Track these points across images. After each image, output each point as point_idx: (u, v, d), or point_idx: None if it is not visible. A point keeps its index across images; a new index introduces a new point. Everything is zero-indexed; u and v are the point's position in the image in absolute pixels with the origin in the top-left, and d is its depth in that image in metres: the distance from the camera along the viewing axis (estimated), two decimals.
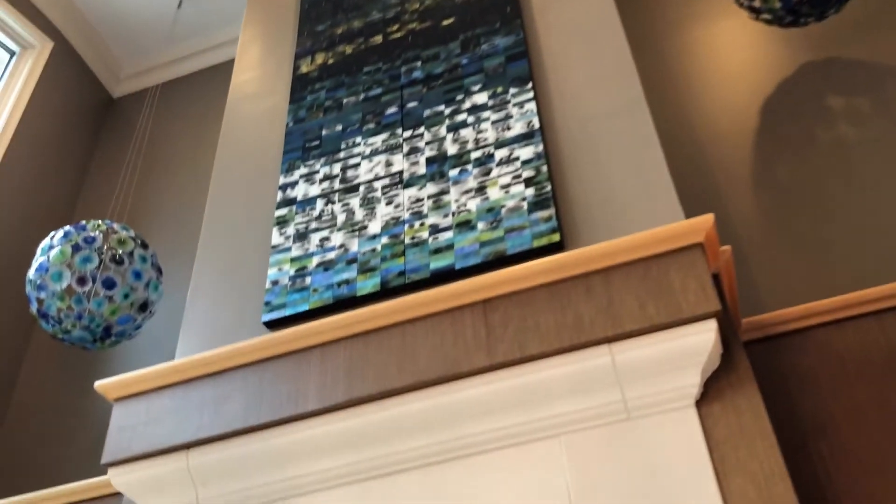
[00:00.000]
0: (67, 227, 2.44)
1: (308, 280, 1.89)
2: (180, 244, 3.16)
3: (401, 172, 2.03)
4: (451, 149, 2.02)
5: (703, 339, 1.37)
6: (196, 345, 1.92)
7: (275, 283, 1.92)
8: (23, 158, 3.40)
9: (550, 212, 1.75)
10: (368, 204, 1.99)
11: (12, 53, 3.63)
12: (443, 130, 2.07)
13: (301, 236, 2.00)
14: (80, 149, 3.75)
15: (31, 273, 2.39)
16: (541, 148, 1.89)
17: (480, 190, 1.88)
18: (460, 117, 2.08)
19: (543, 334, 1.45)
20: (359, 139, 2.18)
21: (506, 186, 1.86)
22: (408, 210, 1.93)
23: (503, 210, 1.81)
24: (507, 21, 2.27)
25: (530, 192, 1.81)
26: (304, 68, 2.49)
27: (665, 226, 1.46)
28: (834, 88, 2.51)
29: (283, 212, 2.09)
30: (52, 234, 2.47)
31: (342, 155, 2.16)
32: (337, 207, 2.03)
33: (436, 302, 1.56)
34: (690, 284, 1.41)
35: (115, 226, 2.49)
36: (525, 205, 1.79)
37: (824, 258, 2.14)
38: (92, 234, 2.45)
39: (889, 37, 2.55)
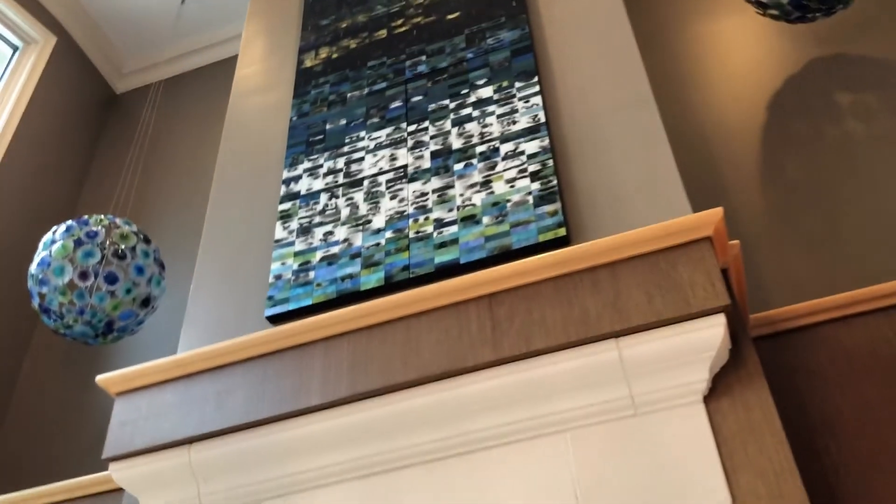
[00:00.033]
0: (70, 222, 2.43)
1: (311, 274, 1.87)
2: (183, 240, 3.15)
3: (405, 167, 2.01)
4: (456, 143, 2.00)
5: (711, 333, 1.35)
6: (198, 339, 1.90)
7: (278, 277, 1.91)
8: (25, 154, 3.38)
9: (556, 206, 1.73)
10: (372, 198, 1.98)
11: (15, 48, 3.62)
12: (448, 124, 2.06)
13: (304, 230, 1.99)
14: (83, 144, 3.74)
15: (32, 267, 2.38)
16: (546, 142, 1.88)
17: (486, 184, 1.87)
18: (465, 111, 2.07)
19: (550, 328, 1.43)
20: (363, 133, 2.16)
21: (511, 181, 1.84)
22: (412, 204, 1.91)
23: (509, 204, 1.79)
24: (512, 15, 2.26)
25: (536, 186, 1.80)
26: (308, 62, 2.48)
27: (673, 219, 1.44)
28: (842, 84, 2.49)
29: (286, 206, 2.08)
30: (54, 228, 2.45)
31: (346, 149, 2.15)
32: (341, 202, 2.01)
33: (440, 296, 1.54)
34: (699, 279, 1.39)
35: (118, 220, 2.48)
36: (531, 199, 1.77)
37: (831, 254, 2.12)
38: (94, 228, 2.44)
39: None
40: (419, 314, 1.55)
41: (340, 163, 2.12)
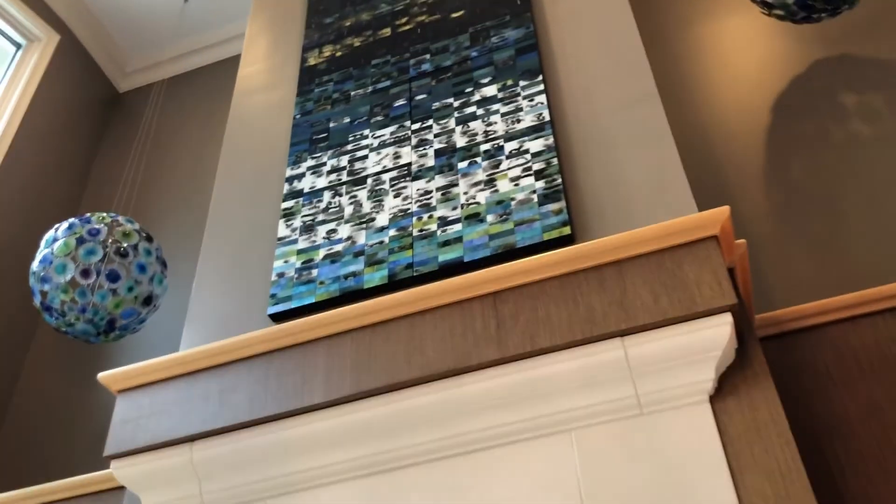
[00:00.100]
0: (72, 219, 2.42)
1: (314, 272, 1.87)
2: (185, 239, 3.14)
3: (409, 165, 2.00)
4: (460, 141, 1.99)
5: (717, 332, 1.34)
6: (201, 337, 1.89)
7: (281, 275, 1.90)
8: (28, 152, 3.38)
9: (561, 205, 1.72)
10: (376, 196, 1.97)
11: (18, 46, 3.62)
12: (452, 123, 2.05)
13: (308, 228, 1.98)
14: (86, 143, 3.73)
15: (34, 265, 2.37)
16: (551, 140, 1.87)
17: (490, 182, 1.86)
18: (469, 110, 2.06)
19: (555, 327, 1.42)
20: (367, 131, 2.15)
21: (515, 179, 1.83)
22: (416, 202, 1.90)
23: (513, 203, 1.78)
24: (516, 14, 2.25)
25: (540, 184, 1.79)
26: (311, 61, 2.47)
27: (680, 218, 1.43)
28: (847, 85, 2.48)
29: (289, 204, 2.07)
30: (56, 226, 2.44)
31: (350, 147, 2.14)
32: (344, 199, 2.01)
33: (444, 294, 1.53)
34: (705, 277, 1.38)
35: (120, 218, 2.47)
36: (535, 197, 1.77)
37: (836, 255, 2.11)
38: (96, 226, 2.43)
39: None
40: (423, 312, 1.54)
41: (344, 161, 2.11)
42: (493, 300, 1.51)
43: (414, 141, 2.06)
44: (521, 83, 2.04)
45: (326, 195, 2.04)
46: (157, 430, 1.60)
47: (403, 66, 2.29)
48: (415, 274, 1.75)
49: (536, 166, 1.83)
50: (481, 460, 1.43)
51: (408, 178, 1.97)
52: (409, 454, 1.48)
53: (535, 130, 1.91)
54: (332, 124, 2.23)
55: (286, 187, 2.11)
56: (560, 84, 2.03)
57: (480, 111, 2.04)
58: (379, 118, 2.17)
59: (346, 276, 1.82)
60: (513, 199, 1.79)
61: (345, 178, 2.06)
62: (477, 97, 2.08)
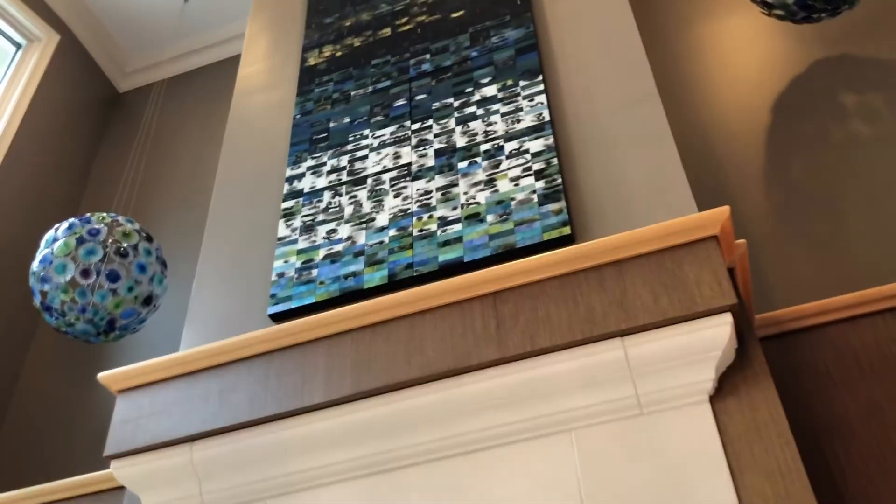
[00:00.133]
0: (72, 219, 2.42)
1: (314, 272, 1.87)
2: (185, 238, 3.14)
3: (409, 165, 2.00)
4: (460, 141, 1.99)
5: (717, 332, 1.34)
6: (201, 337, 1.89)
7: (281, 275, 1.90)
8: (28, 151, 3.38)
9: (561, 205, 1.72)
10: (376, 196, 1.97)
11: (18, 46, 3.62)
12: (452, 123, 2.05)
13: (308, 228, 1.98)
14: (86, 143, 3.73)
15: (34, 265, 2.37)
16: (551, 140, 1.87)
17: (490, 182, 1.86)
18: (469, 110, 2.06)
19: (555, 327, 1.42)
20: (367, 131, 2.15)
21: (515, 179, 1.83)
22: (416, 202, 1.90)
23: (513, 203, 1.78)
24: (516, 14, 2.25)
25: (540, 184, 1.79)
26: (311, 61, 2.47)
27: (680, 218, 1.43)
28: (847, 85, 2.48)
29: (289, 204, 2.07)
30: (56, 225, 2.44)
31: (350, 147, 2.14)
32: (344, 199, 2.01)
33: (444, 294, 1.53)
34: (705, 277, 1.38)
35: (120, 218, 2.47)
36: (535, 197, 1.77)
37: (836, 255, 2.11)
38: (96, 226, 2.43)
39: None
40: (423, 312, 1.54)
41: (344, 161, 2.11)
42: (493, 300, 1.51)
43: (414, 141, 2.06)
44: (521, 83, 2.04)
45: (326, 195, 2.04)
46: (157, 430, 1.60)
47: (403, 66, 2.29)
48: (415, 274, 1.75)
49: (536, 166, 1.83)
50: (481, 460, 1.43)
51: (408, 178, 1.97)
52: (409, 454, 1.48)
53: (535, 130, 1.91)
54: (332, 124, 2.23)
55: (286, 187, 2.11)
56: (560, 84, 2.03)
57: (480, 111, 2.04)
58: (379, 118, 2.17)
59: (346, 276, 1.82)
60: (513, 199, 1.79)
61: (345, 178, 2.06)
62: (477, 97, 2.08)
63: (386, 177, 2.00)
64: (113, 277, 2.37)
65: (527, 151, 1.88)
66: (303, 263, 1.90)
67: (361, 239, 1.89)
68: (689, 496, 1.26)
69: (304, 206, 2.04)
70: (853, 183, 2.24)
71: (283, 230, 2.01)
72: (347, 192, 2.02)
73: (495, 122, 1.99)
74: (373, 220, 1.92)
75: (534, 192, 1.78)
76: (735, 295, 1.35)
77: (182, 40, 4.00)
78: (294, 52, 2.57)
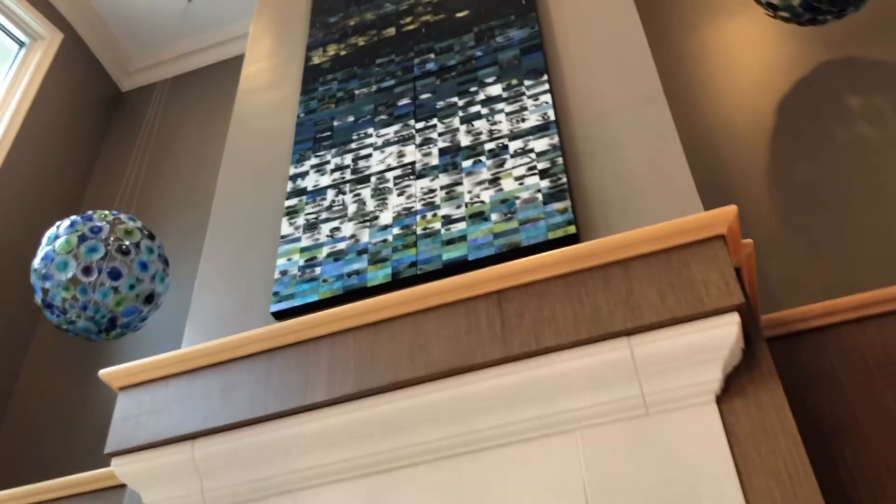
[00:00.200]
0: (74, 217, 2.41)
1: (318, 270, 1.86)
2: (186, 237, 3.13)
3: (413, 163, 1.99)
4: (465, 140, 1.98)
5: (724, 332, 1.33)
6: (202, 335, 1.88)
7: (284, 273, 1.89)
8: (30, 150, 3.37)
9: (566, 203, 1.71)
10: (380, 194, 1.96)
11: (22, 44, 3.61)
12: (456, 122, 2.04)
13: (311, 226, 1.97)
14: (88, 141, 3.73)
15: (36, 262, 2.36)
16: (556, 140, 1.86)
17: (494, 181, 1.85)
18: (474, 109, 2.05)
19: (560, 326, 1.41)
20: (371, 130, 2.15)
21: (520, 178, 1.82)
22: (420, 201, 1.89)
23: (517, 201, 1.77)
24: (521, 14, 2.24)
25: (545, 183, 1.78)
26: (315, 59, 2.46)
27: (687, 217, 1.42)
28: (852, 88, 2.47)
29: (293, 202, 2.06)
30: (58, 223, 2.43)
31: (354, 146, 2.13)
32: (348, 198, 2.00)
33: (449, 292, 1.52)
34: (712, 277, 1.37)
35: (122, 216, 2.46)
36: (540, 196, 1.76)
37: (842, 257, 2.10)
38: (98, 224, 2.42)
39: None
40: (427, 310, 1.53)
41: (348, 159, 2.10)
42: (498, 299, 1.49)
43: (418, 140, 2.05)
44: (526, 82, 2.04)
45: (330, 193, 2.03)
46: (159, 427, 1.59)
47: (408, 65, 2.28)
48: (418, 272, 1.74)
49: (541, 165, 1.82)
50: (485, 460, 1.42)
51: (412, 177, 1.96)
52: (413, 453, 1.47)
53: (539, 130, 1.90)
54: (335, 123, 2.22)
55: (289, 185, 2.10)
56: (565, 84, 2.02)
57: (485, 110, 2.03)
58: (383, 117, 2.16)
59: (349, 275, 1.81)
60: (517, 197, 1.78)
61: (348, 176, 2.05)
62: (481, 96, 2.07)
63: (390, 175, 2.00)
64: (114, 275, 2.36)
65: (531, 150, 1.87)
66: (306, 261, 1.89)
67: (365, 237, 1.88)
68: (696, 497, 1.25)
69: (307, 204, 2.03)
70: (858, 185, 2.23)
71: (286, 228, 2.00)
72: (351, 191, 2.01)
73: (500, 122, 1.98)
74: (376, 218, 1.91)
75: (539, 190, 1.77)
76: (742, 294, 1.34)
77: (185, 40, 4.00)
78: (298, 50, 2.56)
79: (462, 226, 1.79)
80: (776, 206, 2.28)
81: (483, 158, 1.91)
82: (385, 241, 1.84)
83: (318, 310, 1.79)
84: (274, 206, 2.11)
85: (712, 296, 1.35)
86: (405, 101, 2.17)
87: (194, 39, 3.99)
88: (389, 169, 2.01)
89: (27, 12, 3.54)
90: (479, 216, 1.79)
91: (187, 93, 3.84)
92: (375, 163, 2.05)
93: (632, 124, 1.83)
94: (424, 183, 1.93)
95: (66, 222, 2.42)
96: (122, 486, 1.95)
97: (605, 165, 1.79)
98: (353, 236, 1.90)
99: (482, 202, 1.82)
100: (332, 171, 2.09)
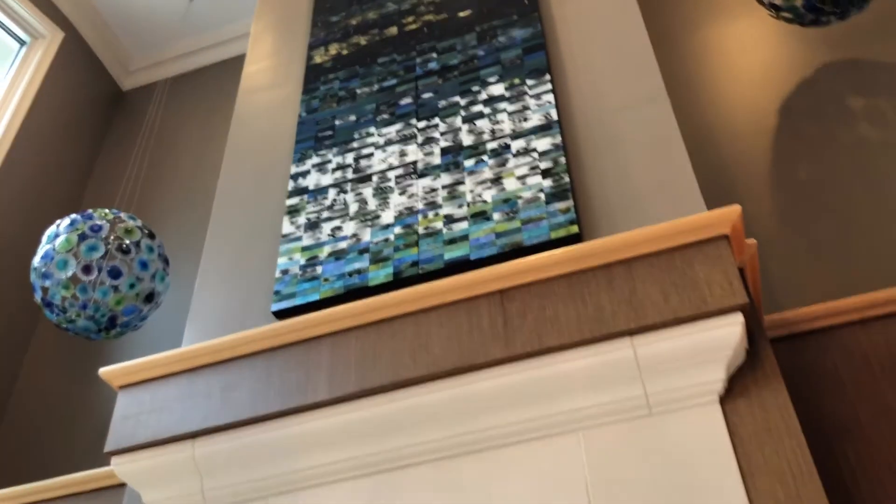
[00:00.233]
0: (74, 215, 2.40)
1: (319, 269, 1.85)
2: (187, 237, 3.13)
3: (415, 162, 1.99)
4: (467, 139, 1.98)
5: (728, 332, 1.32)
6: (203, 333, 1.88)
7: (285, 272, 1.88)
8: (31, 149, 3.37)
9: (569, 203, 1.71)
10: (382, 194, 1.95)
11: (22, 43, 3.61)
12: (458, 121, 2.03)
13: (312, 225, 1.96)
14: (89, 140, 3.72)
15: (35, 261, 2.36)
16: (559, 139, 1.85)
17: (496, 181, 1.84)
18: (476, 108, 2.04)
19: (563, 326, 1.40)
20: (373, 129, 2.14)
21: (522, 177, 1.82)
22: (422, 200, 1.89)
23: (520, 201, 1.77)
24: (524, 13, 2.24)
25: (548, 183, 1.77)
26: (317, 59, 2.46)
27: (690, 216, 1.42)
28: (855, 89, 2.47)
29: (294, 201, 2.05)
30: (58, 222, 2.43)
31: (356, 145, 2.12)
32: (349, 197, 1.99)
33: (451, 291, 1.51)
34: (716, 277, 1.36)
35: (123, 215, 2.45)
36: (542, 196, 1.75)
37: (842, 258, 2.10)
38: (98, 222, 2.41)
39: None
40: (429, 309, 1.53)
41: (349, 158, 2.09)
42: (501, 298, 1.49)
43: (420, 139, 2.04)
44: (529, 82, 2.03)
45: (332, 192, 2.03)
46: (159, 426, 1.58)
47: (410, 64, 2.28)
48: (420, 272, 1.73)
49: (544, 165, 1.82)
50: (487, 460, 1.41)
51: (414, 176, 1.96)
52: (414, 453, 1.46)
53: (542, 129, 1.90)
54: (337, 122, 2.22)
55: (291, 184, 2.10)
56: (568, 83, 2.02)
57: (487, 110, 2.02)
58: (385, 116, 2.16)
59: (350, 274, 1.80)
60: (520, 197, 1.78)
61: (350, 175, 2.05)
62: (484, 96, 2.06)
63: (392, 174, 1.99)
64: (114, 274, 2.36)
65: (534, 150, 1.86)
66: (307, 260, 1.88)
67: (366, 236, 1.87)
68: (699, 498, 1.24)
69: (308, 203, 2.03)
70: (860, 186, 2.23)
71: (287, 227, 1.99)
72: (353, 190, 2.00)
73: (502, 121, 1.97)
74: (378, 217, 1.90)
75: (541, 190, 1.76)
76: (746, 294, 1.33)
77: (186, 39, 4.00)
78: (300, 50, 2.56)
79: (464, 225, 1.78)
80: (777, 207, 2.27)
81: (485, 158, 1.91)
82: (387, 240, 1.84)
83: (319, 309, 1.78)
84: (275, 205, 2.11)
85: (716, 296, 1.34)
86: (407, 100, 2.17)
87: (195, 39, 3.98)
88: (391, 168, 2.01)
89: (28, 11, 3.53)
90: (481, 216, 1.78)
91: (188, 92, 3.84)
92: (377, 162, 2.04)
93: (635, 124, 1.83)
94: (426, 182, 1.92)
95: (67, 221, 2.41)
96: (122, 485, 1.94)
97: (607, 165, 1.78)
98: (354, 235, 1.89)
99: (484, 202, 1.81)
100: (334, 170, 2.08)
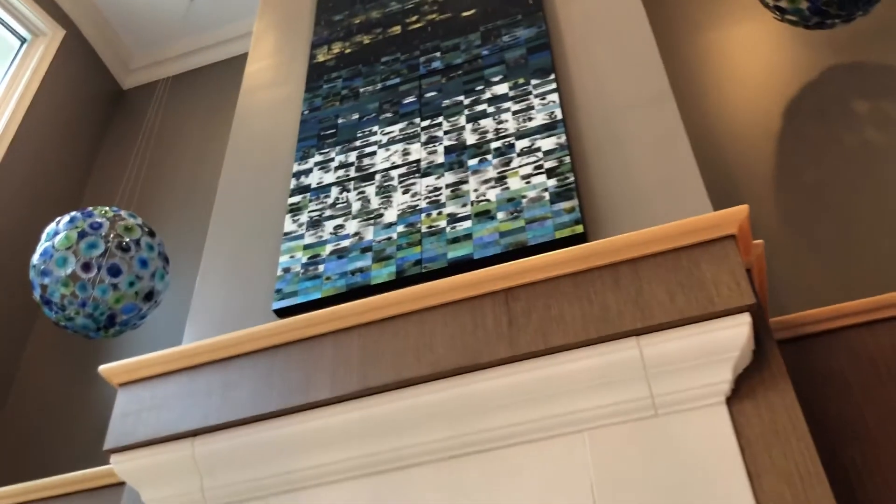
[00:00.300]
0: (74, 213, 2.39)
1: (321, 268, 1.84)
2: (186, 236, 3.11)
3: (418, 161, 1.98)
4: (471, 138, 1.97)
5: (735, 333, 1.31)
6: (203, 331, 1.86)
7: (286, 270, 1.87)
8: (31, 147, 3.35)
9: (573, 203, 1.70)
10: (384, 192, 1.94)
11: (23, 40, 3.59)
12: (462, 120, 2.02)
13: (314, 224, 1.95)
14: (89, 138, 3.71)
15: (35, 258, 2.34)
16: (563, 139, 1.84)
17: (500, 180, 1.83)
18: (480, 107, 2.03)
19: (568, 325, 1.39)
20: (375, 128, 2.13)
21: (527, 177, 1.80)
22: (425, 199, 1.87)
23: (524, 200, 1.76)
24: (528, 13, 2.23)
25: (552, 182, 1.76)
26: (320, 57, 2.44)
27: (697, 216, 1.41)
28: (859, 92, 2.46)
29: (296, 199, 2.04)
30: (57, 219, 2.41)
31: (358, 143, 2.11)
32: (352, 195, 1.98)
33: (455, 290, 1.50)
34: (723, 277, 1.35)
35: (123, 213, 2.44)
36: (547, 195, 1.74)
37: (847, 261, 2.09)
38: (98, 220, 2.40)
39: None
40: (433, 308, 1.51)
41: (352, 157, 2.08)
42: (505, 297, 1.48)
43: (423, 138, 2.03)
44: (533, 81, 2.02)
45: (334, 191, 2.01)
46: (159, 424, 1.57)
47: (413, 63, 2.27)
48: (423, 270, 1.72)
49: (548, 164, 1.81)
50: (491, 460, 1.39)
51: (417, 175, 1.94)
52: (417, 453, 1.45)
53: (546, 129, 1.89)
54: (340, 120, 2.21)
55: (293, 182, 2.09)
56: (572, 83, 2.01)
57: (491, 109, 2.01)
58: (388, 115, 2.15)
59: (353, 272, 1.79)
60: (524, 196, 1.77)
61: (353, 173, 2.04)
62: (488, 95, 2.05)
63: (394, 173, 1.98)
64: (114, 272, 2.34)
65: (538, 149, 1.85)
66: (309, 259, 1.87)
67: (369, 235, 1.86)
68: (706, 500, 1.23)
69: (311, 201, 2.02)
70: (865, 189, 2.22)
71: (289, 225, 1.98)
72: (355, 188, 1.99)
73: (506, 120, 1.96)
74: (381, 215, 1.89)
75: (545, 189, 1.75)
76: (754, 295, 1.32)
77: (187, 38, 3.98)
78: (302, 48, 2.55)
79: (467, 224, 1.77)
80: (782, 209, 2.27)
81: (489, 157, 1.90)
82: (389, 238, 1.82)
83: (320, 307, 1.77)
84: (276, 204, 2.09)
85: (723, 296, 1.33)
86: (411, 99, 2.16)
87: (196, 38, 3.97)
88: (394, 167, 1.99)
89: (29, 8, 3.52)
90: (484, 215, 1.77)
91: (188, 91, 3.82)
92: (380, 160, 2.03)
93: (640, 123, 1.82)
94: (429, 181, 1.91)
95: (66, 218, 2.40)
96: (121, 484, 1.93)
97: (612, 165, 1.77)
98: (357, 234, 1.88)
99: (488, 201, 1.80)
100: (337, 168, 2.07)
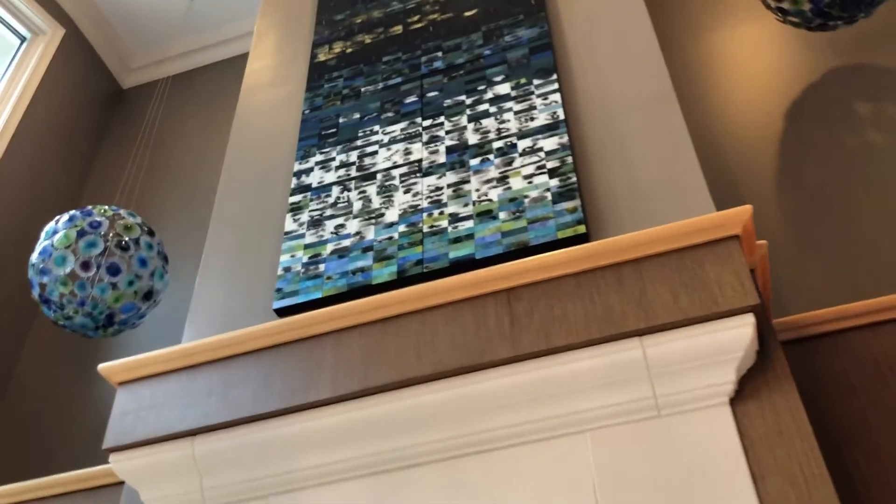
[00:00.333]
0: (73, 212, 2.38)
1: (322, 267, 1.83)
2: (186, 235, 3.10)
3: (420, 161, 1.97)
4: (472, 138, 1.96)
5: (739, 333, 1.30)
6: (203, 331, 1.85)
7: (287, 269, 1.86)
8: (30, 145, 3.34)
9: (576, 203, 1.69)
10: (386, 192, 1.93)
11: (23, 39, 3.58)
12: (464, 120, 2.02)
13: (315, 223, 1.94)
14: (88, 138, 3.70)
15: (33, 257, 2.33)
16: (566, 139, 1.84)
17: (502, 180, 1.82)
18: (482, 107, 2.03)
19: (571, 325, 1.38)
20: (377, 128, 2.12)
21: (529, 177, 1.80)
22: (426, 198, 1.87)
23: (526, 200, 1.75)
24: (530, 13, 2.22)
25: (555, 182, 1.75)
26: (321, 57, 2.44)
27: (701, 216, 1.40)
28: (862, 94, 2.46)
29: (297, 198, 2.03)
30: (57, 217, 2.40)
31: (359, 143, 2.10)
32: (353, 195, 1.97)
33: (457, 289, 1.49)
34: (727, 277, 1.34)
35: (122, 212, 2.43)
36: (549, 195, 1.73)
37: (849, 262, 2.08)
38: (98, 219, 2.39)
39: None
40: (434, 308, 1.50)
41: (353, 156, 2.08)
42: (508, 297, 1.47)
43: (425, 137, 2.02)
44: (535, 81, 2.02)
45: (335, 190, 2.01)
46: (158, 423, 1.56)
47: (415, 63, 2.26)
48: (424, 270, 1.71)
49: (550, 164, 1.80)
50: (492, 461, 1.39)
51: (418, 175, 1.94)
52: (418, 453, 1.44)
53: (549, 129, 1.88)
54: (341, 120, 2.20)
55: (294, 181, 2.08)
56: (575, 83, 2.00)
57: (493, 109, 2.01)
58: (389, 114, 2.14)
59: (353, 272, 1.78)
60: (526, 196, 1.76)
61: (354, 173, 2.03)
62: (490, 95, 2.05)
63: (396, 172, 1.97)
64: (113, 271, 2.33)
65: (541, 149, 1.84)
66: (310, 258, 1.86)
67: (370, 234, 1.85)
68: (709, 500, 1.22)
69: (311, 200, 2.01)
70: (867, 190, 2.21)
71: (289, 224, 1.97)
72: (356, 188, 1.98)
73: (508, 120, 1.96)
74: (382, 215, 1.88)
75: (548, 189, 1.75)
76: (757, 295, 1.31)
77: (187, 38, 3.98)
78: (304, 48, 2.54)
79: (469, 224, 1.76)
80: (784, 211, 2.26)
81: (491, 157, 1.89)
82: (391, 238, 1.82)
83: (321, 307, 1.76)
84: (277, 203, 2.09)
85: (727, 296, 1.32)
86: (412, 98, 2.15)
87: (196, 38, 3.97)
88: (396, 166, 1.99)
89: (29, 7, 3.51)
90: (486, 214, 1.77)
91: (188, 91, 3.82)
92: (381, 160, 2.02)
93: (642, 123, 1.81)
94: (431, 181, 1.91)
95: (65, 217, 2.39)
96: (120, 483, 1.91)
97: (615, 165, 1.77)
98: (358, 233, 1.87)
99: (490, 200, 1.79)
100: (338, 167, 2.06)
